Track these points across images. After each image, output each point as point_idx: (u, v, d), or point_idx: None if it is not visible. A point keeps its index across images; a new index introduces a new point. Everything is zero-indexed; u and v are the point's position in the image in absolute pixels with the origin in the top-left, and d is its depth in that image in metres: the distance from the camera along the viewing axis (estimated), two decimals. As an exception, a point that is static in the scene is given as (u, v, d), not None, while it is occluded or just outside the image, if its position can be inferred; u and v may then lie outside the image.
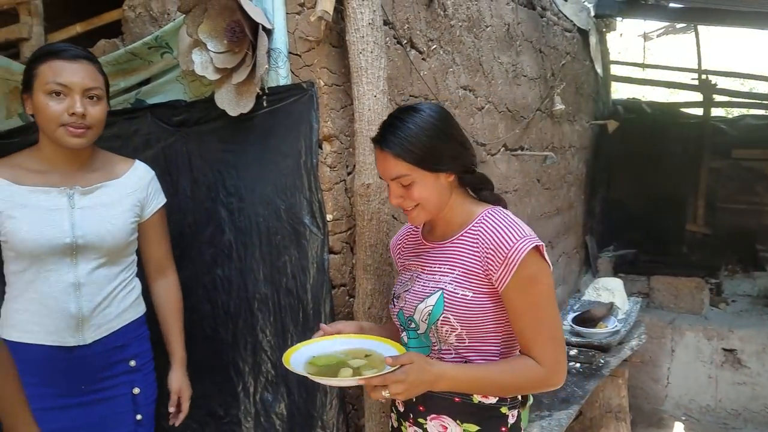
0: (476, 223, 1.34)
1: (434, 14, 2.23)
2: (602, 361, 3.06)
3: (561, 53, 3.75)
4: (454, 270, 1.34)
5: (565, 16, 3.85)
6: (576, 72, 4.11)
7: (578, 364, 3.00)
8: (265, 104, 1.78)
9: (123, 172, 1.72)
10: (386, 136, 1.31)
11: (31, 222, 1.56)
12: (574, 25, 4.03)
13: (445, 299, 1.32)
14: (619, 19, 4.96)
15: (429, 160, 1.29)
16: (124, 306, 1.70)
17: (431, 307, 1.34)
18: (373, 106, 1.68)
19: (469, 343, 1.34)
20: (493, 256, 1.28)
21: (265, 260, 1.88)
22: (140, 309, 1.76)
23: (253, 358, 1.90)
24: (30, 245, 1.56)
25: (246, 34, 1.72)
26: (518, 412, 1.39)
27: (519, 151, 3.10)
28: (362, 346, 1.34)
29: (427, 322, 1.35)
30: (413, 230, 1.53)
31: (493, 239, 1.29)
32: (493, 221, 1.32)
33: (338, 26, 1.72)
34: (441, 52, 2.30)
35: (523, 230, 1.30)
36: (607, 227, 5.43)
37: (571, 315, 3.46)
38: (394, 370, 1.17)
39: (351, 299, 1.86)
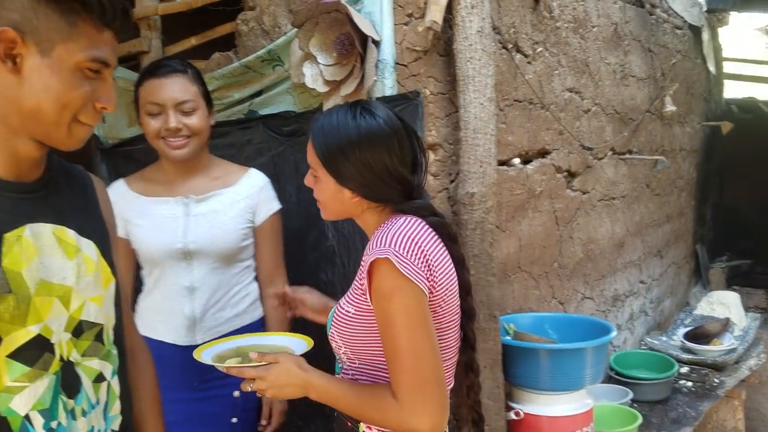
0: (375, 234, 1.20)
1: (540, 17, 2.17)
2: (717, 381, 2.85)
3: (671, 52, 3.54)
4: (351, 284, 1.23)
5: (675, 12, 3.63)
6: (687, 71, 3.87)
7: (690, 383, 2.82)
8: (370, 115, 1.80)
9: (237, 179, 1.79)
10: (316, 123, 1.25)
11: (151, 229, 1.69)
12: (685, 21, 3.80)
13: (334, 314, 1.25)
14: (733, 13, 4.62)
15: (334, 167, 1.20)
16: (237, 311, 1.76)
17: (327, 322, 1.29)
18: (479, 114, 1.67)
19: (359, 364, 1.23)
20: (362, 266, 1.16)
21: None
22: (255, 314, 1.81)
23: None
24: (150, 249, 1.70)
25: (355, 47, 1.76)
26: None
27: (627, 155, 2.96)
28: (286, 344, 1.35)
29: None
30: None
31: (368, 245, 1.17)
32: (380, 230, 1.18)
33: (446, 35, 1.71)
34: (546, 55, 2.24)
35: (386, 240, 1.12)
36: (719, 235, 5.07)
37: (682, 330, 3.26)
38: (258, 365, 1.16)
39: (454, 308, 1.84)
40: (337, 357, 1.30)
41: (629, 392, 2.45)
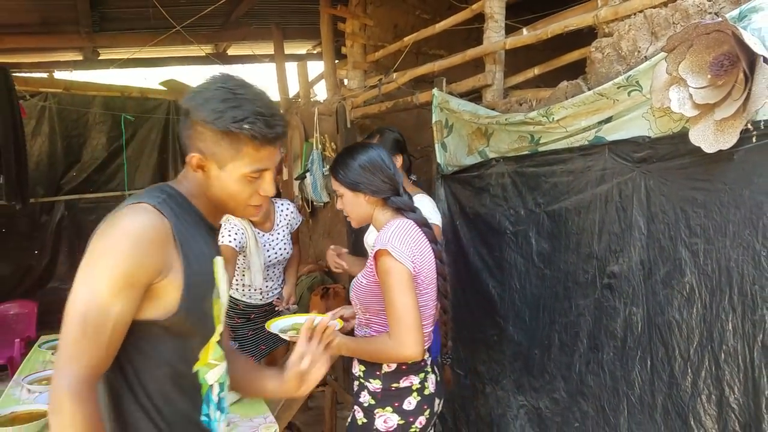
0: (381, 230, 1.86)
1: None
2: None
3: None
4: (367, 262, 1.88)
5: None
6: None
7: None
8: (754, 140, 1.62)
9: None
10: (333, 162, 1.97)
11: None
12: None
13: (353, 284, 1.92)
14: None
15: (349, 181, 1.88)
16: None
17: (349, 289, 1.96)
18: None
19: (369, 316, 1.89)
20: (371, 254, 1.81)
21: (735, 310, 1.71)
22: None
23: (718, 412, 1.74)
24: None
25: (735, 67, 1.61)
26: (397, 365, 1.86)
27: None
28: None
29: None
30: None
31: (374, 242, 1.83)
32: (385, 227, 1.84)
33: None
34: None
35: (386, 237, 1.78)
36: None
37: None
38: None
39: None
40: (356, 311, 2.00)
41: None
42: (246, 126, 1.16)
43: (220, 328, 1.27)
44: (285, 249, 3.11)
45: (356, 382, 1.99)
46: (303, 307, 4.34)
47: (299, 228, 3.27)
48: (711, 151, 1.71)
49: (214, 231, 1.33)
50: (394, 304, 1.75)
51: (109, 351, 1.07)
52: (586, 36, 2.56)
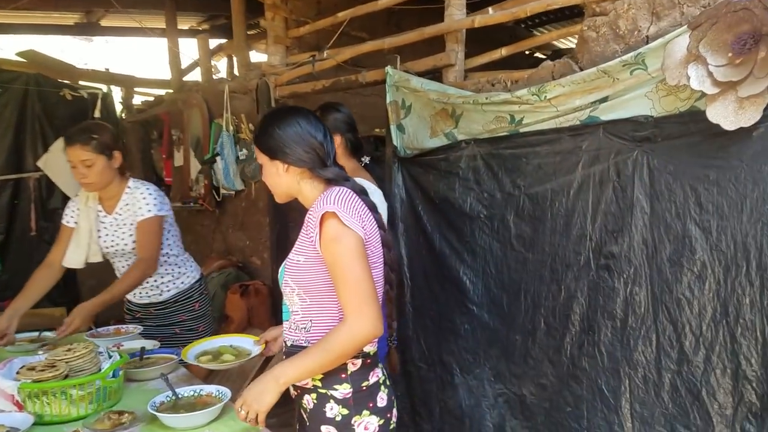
0: (317, 200, 1.60)
1: None
2: None
3: None
4: (298, 240, 1.64)
5: None
6: None
7: None
8: (779, 117, 1.67)
9: None
10: (256, 126, 1.78)
11: None
12: None
13: (286, 265, 1.66)
14: None
15: (266, 147, 1.66)
16: None
17: (279, 273, 1.71)
18: None
19: (310, 302, 1.62)
20: (311, 222, 1.57)
21: (752, 284, 1.76)
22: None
23: (734, 385, 1.79)
24: None
25: (757, 45, 1.64)
26: (362, 360, 1.63)
27: None
28: (232, 343, 2.05)
29: (280, 287, 1.71)
30: None
31: (311, 209, 1.59)
32: (321, 196, 1.59)
33: None
34: None
35: (330, 200, 1.55)
36: None
37: None
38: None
39: None
40: (288, 303, 1.70)
41: None
42: None
43: None
44: (123, 241, 2.59)
45: (311, 396, 1.64)
46: (218, 305, 3.93)
47: (148, 228, 2.54)
48: (731, 129, 1.72)
49: None
50: (349, 274, 1.51)
51: None
52: (515, 29, 2.52)
